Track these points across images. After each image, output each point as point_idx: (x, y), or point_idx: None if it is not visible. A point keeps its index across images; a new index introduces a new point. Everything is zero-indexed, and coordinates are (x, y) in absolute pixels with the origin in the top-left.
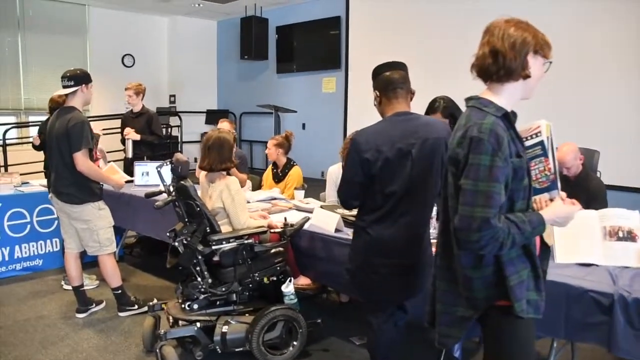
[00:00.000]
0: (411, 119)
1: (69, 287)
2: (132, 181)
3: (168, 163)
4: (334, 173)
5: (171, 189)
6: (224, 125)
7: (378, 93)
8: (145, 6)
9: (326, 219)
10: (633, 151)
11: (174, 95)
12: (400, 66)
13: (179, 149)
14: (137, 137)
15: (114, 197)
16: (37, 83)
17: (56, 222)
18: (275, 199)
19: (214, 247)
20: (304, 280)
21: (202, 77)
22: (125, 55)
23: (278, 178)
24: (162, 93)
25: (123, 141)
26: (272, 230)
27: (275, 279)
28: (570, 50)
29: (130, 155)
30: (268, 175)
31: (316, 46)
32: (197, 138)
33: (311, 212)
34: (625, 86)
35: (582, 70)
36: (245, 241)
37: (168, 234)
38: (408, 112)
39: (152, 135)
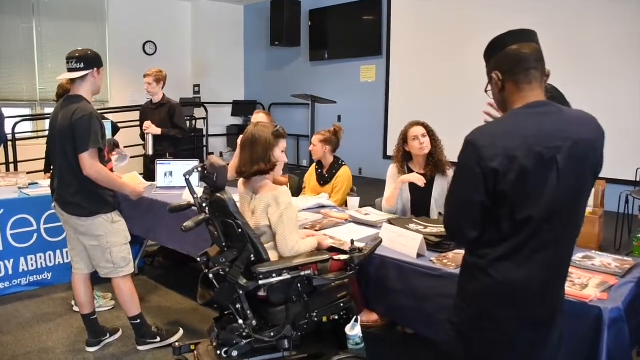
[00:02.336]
0: (552, 112)
1: None
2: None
3: (199, 169)
4: (393, 173)
5: (203, 202)
6: (259, 117)
7: (500, 75)
8: None
9: (403, 240)
10: None
11: (198, 85)
12: (531, 36)
13: (205, 143)
14: (158, 131)
15: (132, 202)
16: (53, 72)
17: None
18: (324, 206)
19: (261, 282)
20: (369, 316)
21: (228, 66)
22: (147, 42)
23: (324, 180)
24: (185, 83)
25: (143, 136)
26: (335, 257)
27: (336, 317)
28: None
29: (151, 152)
30: (311, 176)
31: (354, 31)
32: (222, 131)
33: (374, 225)
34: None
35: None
36: (302, 273)
37: (199, 258)
38: (546, 102)
39: (175, 129)
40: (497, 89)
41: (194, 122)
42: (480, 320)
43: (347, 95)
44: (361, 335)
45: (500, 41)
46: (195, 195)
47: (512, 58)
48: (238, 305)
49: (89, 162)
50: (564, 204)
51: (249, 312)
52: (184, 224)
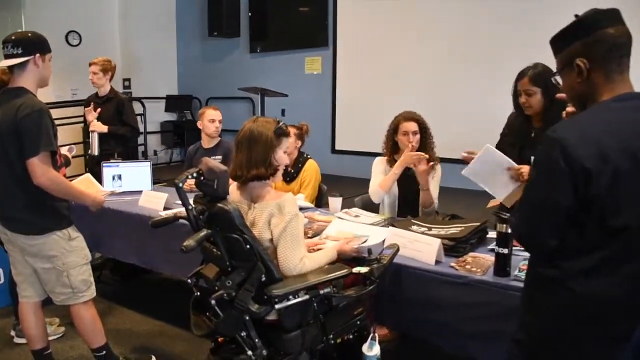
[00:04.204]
0: None
1: (23, 340)
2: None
3: (195, 175)
4: (381, 166)
5: (198, 214)
6: (209, 112)
7: (586, 63)
8: None
9: (418, 246)
10: None
11: (128, 79)
12: (620, 17)
13: (144, 142)
14: (105, 128)
15: (77, 210)
16: None
17: None
18: (302, 209)
19: (277, 307)
20: (379, 330)
21: (160, 58)
22: (70, 32)
23: (290, 177)
24: (114, 77)
25: (87, 133)
26: (354, 271)
27: (351, 336)
28: None
29: (96, 152)
30: None
31: (297, 21)
32: (156, 128)
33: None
34: None
35: None
36: (321, 291)
37: (189, 280)
38: (638, 93)
39: (125, 127)
40: (578, 78)
41: None
42: (556, 338)
43: (291, 88)
44: (379, 355)
45: (589, 22)
46: (189, 207)
47: (606, 43)
48: (243, 333)
49: (40, 169)
50: None
51: (257, 340)
52: (184, 244)
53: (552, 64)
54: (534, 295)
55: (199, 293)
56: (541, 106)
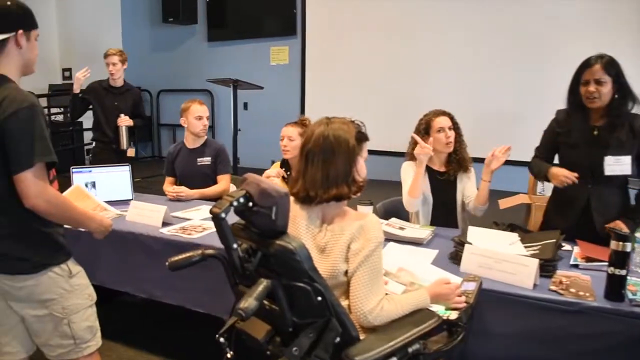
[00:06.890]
0: None
1: None
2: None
3: (242, 200)
4: (410, 171)
5: (243, 253)
6: (194, 107)
7: None
8: None
9: (507, 267)
10: None
11: (69, 70)
12: None
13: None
14: (131, 122)
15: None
16: None
17: None
18: None
19: None
20: None
21: (103, 47)
22: None
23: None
24: (53, 67)
25: (97, 126)
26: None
27: None
28: None
29: (126, 146)
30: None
31: (262, 7)
32: None
33: (419, 243)
34: None
35: None
36: (410, 349)
37: (222, 339)
38: None
39: (139, 119)
40: None
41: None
42: None
43: (256, 80)
44: None
45: None
46: (234, 246)
47: None
48: None
49: (35, 187)
50: None
51: None
52: (242, 306)
53: None
54: None
55: (232, 353)
56: (609, 98)
